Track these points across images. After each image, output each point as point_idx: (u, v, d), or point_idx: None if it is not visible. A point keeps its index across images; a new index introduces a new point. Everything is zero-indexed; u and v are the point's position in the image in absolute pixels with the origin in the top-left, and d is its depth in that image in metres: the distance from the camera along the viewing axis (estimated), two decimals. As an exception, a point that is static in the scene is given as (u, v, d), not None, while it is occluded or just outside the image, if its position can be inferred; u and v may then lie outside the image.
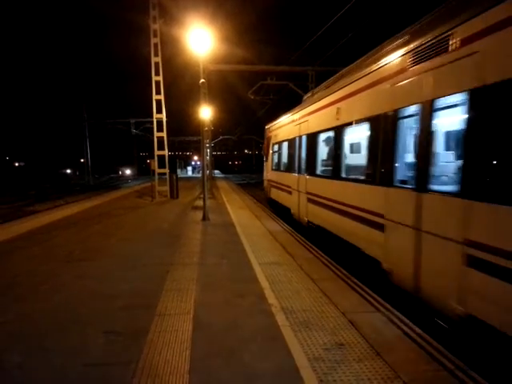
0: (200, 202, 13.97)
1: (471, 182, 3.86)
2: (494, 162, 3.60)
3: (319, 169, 9.57)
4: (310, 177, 10.05)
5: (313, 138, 9.85)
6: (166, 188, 18.96)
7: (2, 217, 17.71)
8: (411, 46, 5.09)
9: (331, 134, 8.49)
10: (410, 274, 4.95)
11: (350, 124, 7.30)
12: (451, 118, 4.85)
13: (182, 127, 67.70)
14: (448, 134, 5.40)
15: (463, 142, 4.07)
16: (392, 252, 5.54)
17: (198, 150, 53.60)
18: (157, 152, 18.28)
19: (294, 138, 11.89)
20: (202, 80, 11.72)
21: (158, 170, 18.56)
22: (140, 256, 7.34)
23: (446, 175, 4.89)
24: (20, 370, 3.39)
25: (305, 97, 13.52)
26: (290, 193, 12.46)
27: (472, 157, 3.89)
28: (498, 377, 3.41)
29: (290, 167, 12.67)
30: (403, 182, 5.39)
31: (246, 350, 3.65)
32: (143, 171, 60.19)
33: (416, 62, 4.94)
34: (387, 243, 5.66)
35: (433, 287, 4.54)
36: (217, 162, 69.25)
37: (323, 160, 9.49)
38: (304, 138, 10.83)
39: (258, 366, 3.38)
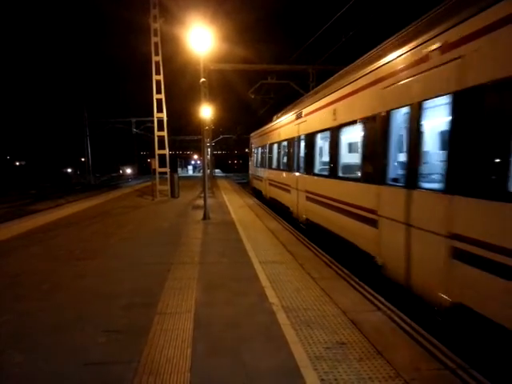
0: (201, 201, 13.96)
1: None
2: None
3: (274, 164, 15.70)
4: (270, 170, 16.74)
5: (277, 145, 15.26)
6: (167, 187, 18.95)
7: (2, 216, 17.73)
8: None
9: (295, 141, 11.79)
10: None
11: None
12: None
13: (183, 126, 67.55)
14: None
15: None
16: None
17: (199, 149, 53.59)
18: (157, 151, 18.28)
19: (265, 145, 18.29)
20: (203, 79, 11.71)
21: (158, 169, 18.57)
22: (141, 255, 7.35)
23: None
24: (21, 368, 3.39)
25: (274, 117, 18.00)
26: (261, 180, 19.72)
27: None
28: (499, 375, 3.40)
29: (262, 164, 19.44)
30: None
31: (246, 349, 3.65)
32: (144, 170, 60.21)
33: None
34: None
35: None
36: (217, 161, 69.31)
37: (281, 160, 14.51)
38: (268, 146, 17.28)
39: (258, 364, 3.38)
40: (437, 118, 5.13)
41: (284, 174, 13.53)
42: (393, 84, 5.47)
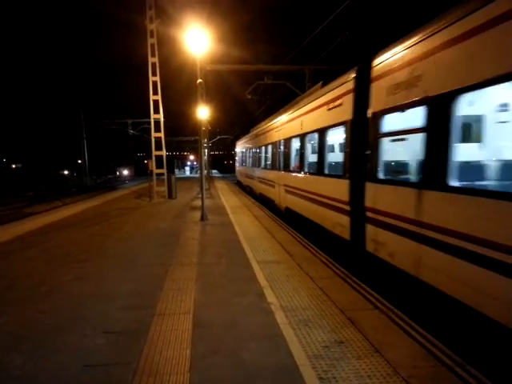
0: (198, 202, 13.97)
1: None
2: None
3: (248, 163, 23.36)
4: (242, 167, 27.67)
5: (252, 150, 21.36)
6: (164, 188, 18.94)
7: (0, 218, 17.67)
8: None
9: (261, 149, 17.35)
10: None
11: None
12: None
13: (180, 127, 67.46)
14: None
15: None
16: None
17: (196, 150, 53.55)
18: (154, 152, 18.27)
19: (243, 150, 27.19)
20: (200, 80, 11.73)
21: (155, 171, 18.56)
22: (139, 256, 7.35)
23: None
24: (21, 370, 3.40)
25: (238, 141, 32.00)
26: (241, 174, 29.23)
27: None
28: (496, 372, 3.44)
29: (241, 163, 29.34)
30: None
31: (245, 349, 3.67)
32: (140, 172, 60.18)
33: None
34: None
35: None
36: (214, 162, 69.21)
37: (251, 160, 21.29)
38: (246, 150, 24.98)
39: (257, 364, 3.40)
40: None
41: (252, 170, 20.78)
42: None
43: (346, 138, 7.15)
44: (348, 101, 7.04)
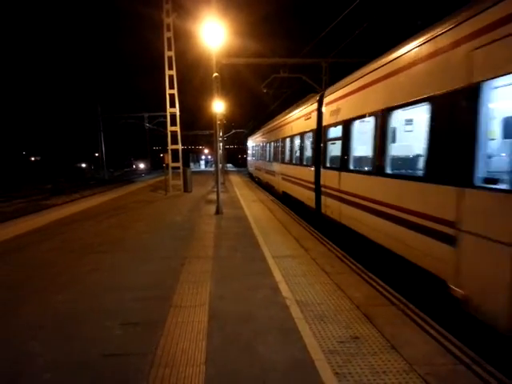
0: (213, 196, 14.04)
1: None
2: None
3: (256, 157, 28.83)
4: (252, 160, 33.73)
5: (259, 146, 26.63)
6: (180, 182, 19.08)
7: (19, 211, 18.10)
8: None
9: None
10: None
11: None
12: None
13: (195, 121, 67.84)
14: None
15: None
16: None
17: (211, 144, 53.69)
18: (170, 146, 18.40)
19: (252, 145, 32.76)
20: (215, 74, 11.72)
21: (171, 164, 18.69)
22: (155, 249, 7.45)
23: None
24: (42, 358, 3.50)
25: (249, 137, 38.32)
26: (252, 167, 33.11)
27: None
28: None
29: (251, 157, 33.96)
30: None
31: (260, 342, 3.70)
32: (157, 165, 60.63)
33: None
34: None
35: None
36: (230, 156, 69.34)
37: (266, 154, 22.38)
38: (254, 146, 30.95)
39: (272, 357, 3.42)
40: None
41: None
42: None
43: (313, 140, 10.95)
44: (314, 116, 10.79)
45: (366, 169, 7.34)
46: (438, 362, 3.30)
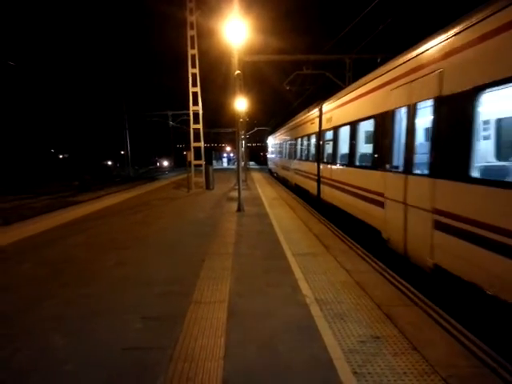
0: (235, 194, 14.10)
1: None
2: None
3: (274, 154, 34.01)
4: (270, 156, 40.03)
5: (276, 144, 32.30)
6: (202, 179, 19.26)
7: (48, 206, 18.68)
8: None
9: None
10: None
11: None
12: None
13: (217, 119, 68.05)
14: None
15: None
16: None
17: (233, 142, 53.91)
18: (193, 144, 18.59)
19: (271, 143, 38.38)
20: (238, 71, 11.74)
21: (194, 162, 18.88)
22: (177, 245, 7.54)
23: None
24: (64, 350, 3.59)
25: (268, 136, 47.44)
26: (271, 162, 38.94)
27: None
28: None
29: (270, 153, 39.79)
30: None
31: (279, 340, 3.68)
32: (180, 163, 61.31)
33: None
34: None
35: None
36: (252, 154, 69.38)
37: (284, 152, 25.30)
38: (272, 144, 37.75)
39: (291, 355, 3.40)
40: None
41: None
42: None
43: (316, 141, 13.68)
44: (316, 122, 13.52)
45: (343, 162, 10.21)
46: (461, 365, 3.20)
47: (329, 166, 11.60)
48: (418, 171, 5.85)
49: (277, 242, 7.62)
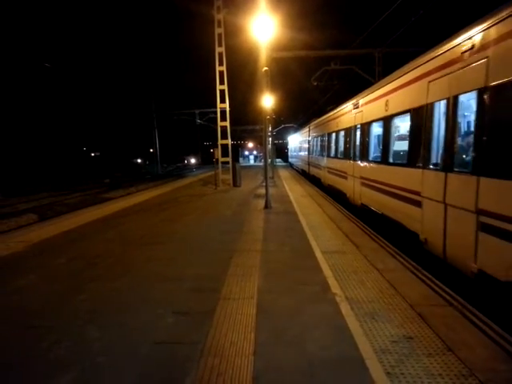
0: (262, 191, 14.10)
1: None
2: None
3: (294, 150, 41.52)
4: (292, 153, 46.56)
5: (295, 142, 40.33)
6: (229, 176, 19.37)
7: (81, 203, 19.31)
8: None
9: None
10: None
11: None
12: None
13: (244, 116, 68.15)
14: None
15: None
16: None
17: (260, 139, 53.91)
18: (220, 141, 18.71)
19: (292, 140, 45.28)
20: (265, 68, 11.70)
21: (221, 159, 19.00)
22: (205, 242, 7.62)
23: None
24: (99, 342, 3.69)
25: (290, 135, 53.83)
26: (292, 157, 46.35)
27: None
28: None
29: (291, 150, 47.72)
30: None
31: (309, 337, 3.65)
32: (207, 160, 61.90)
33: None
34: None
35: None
36: (278, 151, 69.14)
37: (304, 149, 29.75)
38: (292, 142, 46.62)
39: (321, 353, 3.37)
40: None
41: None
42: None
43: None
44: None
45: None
46: (499, 369, 3.06)
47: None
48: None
49: (305, 240, 7.56)
